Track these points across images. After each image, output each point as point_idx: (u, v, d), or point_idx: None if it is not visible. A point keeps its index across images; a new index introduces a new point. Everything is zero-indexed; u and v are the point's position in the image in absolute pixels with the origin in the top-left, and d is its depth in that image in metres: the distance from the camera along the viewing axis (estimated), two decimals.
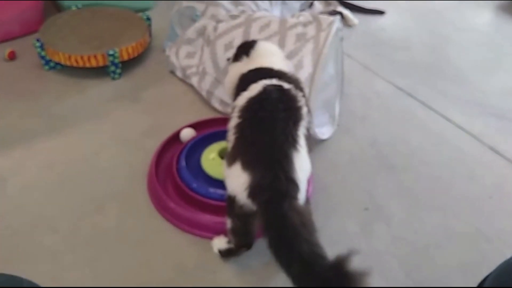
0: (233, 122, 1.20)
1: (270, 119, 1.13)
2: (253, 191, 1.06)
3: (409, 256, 1.40)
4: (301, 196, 1.09)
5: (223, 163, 1.19)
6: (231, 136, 1.19)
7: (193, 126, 1.73)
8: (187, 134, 1.68)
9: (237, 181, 1.09)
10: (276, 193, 1.04)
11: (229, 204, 1.15)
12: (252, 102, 1.19)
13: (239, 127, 1.17)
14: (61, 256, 1.34)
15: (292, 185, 1.06)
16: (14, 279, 0.75)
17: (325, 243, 1.30)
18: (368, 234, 1.46)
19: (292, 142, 1.11)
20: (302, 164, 1.11)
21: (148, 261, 1.34)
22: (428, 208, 1.57)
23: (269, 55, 1.45)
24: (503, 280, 0.85)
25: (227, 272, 1.32)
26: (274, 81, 1.24)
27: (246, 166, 1.08)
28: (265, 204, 1.05)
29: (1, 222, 1.44)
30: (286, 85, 1.23)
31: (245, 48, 1.47)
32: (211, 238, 1.37)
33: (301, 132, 1.16)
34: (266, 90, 1.20)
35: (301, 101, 1.22)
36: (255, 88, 1.22)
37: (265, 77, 1.27)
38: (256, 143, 1.11)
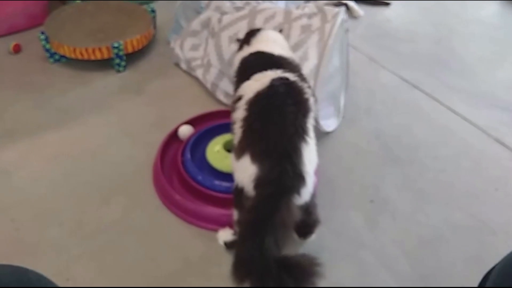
0: (240, 114, 1.19)
1: (279, 113, 1.13)
2: (259, 183, 1.06)
3: (414, 249, 1.40)
4: (307, 191, 1.08)
5: (231, 155, 1.19)
6: (237, 128, 1.18)
7: (193, 120, 1.73)
8: (185, 131, 1.67)
9: (246, 173, 1.09)
10: (280, 188, 1.04)
11: (237, 196, 1.15)
12: (260, 96, 1.18)
13: (247, 120, 1.16)
14: (66, 249, 1.35)
15: (298, 179, 1.06)
16: (20, 270, 0.75)
17: (330, 235, 1.31)
18: (373, 226, 1.46)
19: (301, 134, 1.11)
20: (310, 156, 1.11)
21: (153, 254, 1.35)
22: (433, 200, 1.56)
23: (269, 41, 1.46)
24: (508, 272, 0.85)
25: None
26: (279, 73, 1.23)
27: (255, 158, 1.08)
28: (265, 197, 1.05)
29: (6, 214, 1.45)
30: (291, 77, 1.22)
31: (248, 36, 1.50)
32: (216, 230, 1.38)
33: (310, 124, 1.16)
34: (273, 86, 1.18)
35: (308, 93, 1.21)
36: (261, 81, 1.21)
37: (266, 63, 1.28)
38: (265, 136, 1.10)
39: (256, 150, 1.09)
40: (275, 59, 1.34)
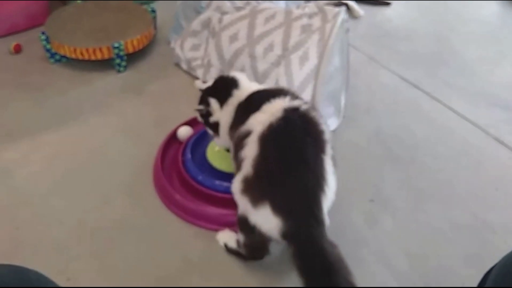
0: (251, 151, 1.11)
1: (299, 156, 1.08)
2: (288, 235, 1.06)
3: (414, 248, 1.40)
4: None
5: (242, 195, 1.13)
6: (247, 165, 1.11)
7: (193, 120, 1.71)
8: (184, 132, 1.67)
9: (267, 223, 1.07)
10: (311, 236, 1.05)
11: (245, 225, 1.13)
12: (276, 132, 1.10)
13: (263, 159, 1.09)
14: (67, 248, 1.35)
15: (322, 226, 1.06)
16: (20, 270, 0.75)
17: (331, 234, 1.30)
18: (373, 225, 1.46)
19: (322, 185, 1.07)
20: (328, 203, 1.10)
21: (154, 253, 1.35)
22: (433, 199, 1.57)
23: (252, 82, 1.37)
24: (509, 271, 0.85)
25: (234, 264, 1.32)
26: (287, 100, 1.16)
27: (278, 211, 1.05)
28: (302, 245, 1.05)
29: (7, 214, 1.45)
30: (302, 105, 1.16)
31: (228, 83, 1.33)
32: (217, 230, 1.38)
33: (329, 155, 1.11)
34: (288, 118, 1.11)
35: (322, 123, 1.16)
36: (272, 111, 1.14)
37: (271, 94, 1.20)
38: (286, 185, 1.06)
39: (277, 201, 1.06)
40: (277, 89, 1.26)
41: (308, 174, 1.07)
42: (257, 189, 1.09)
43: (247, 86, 1.32)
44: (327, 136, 1.14)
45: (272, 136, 1.10)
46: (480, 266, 1.04)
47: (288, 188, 1.06)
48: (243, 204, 1.13)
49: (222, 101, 1.31)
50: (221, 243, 1.35)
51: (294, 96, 1.20)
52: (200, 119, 1.40)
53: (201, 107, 1.35)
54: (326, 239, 1.05)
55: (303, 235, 1.04)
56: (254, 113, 1.17)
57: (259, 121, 1.14)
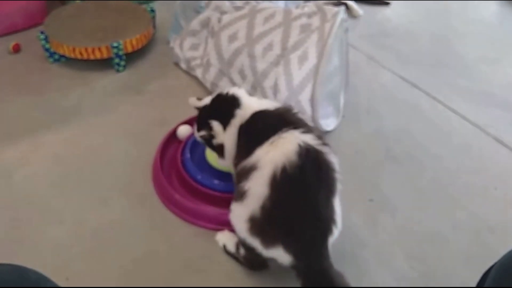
0: (259, 189, 1.08)
1: (312, 204, 1.07)
2: (297, 268, 1.11)
3: (414, 247, 1.40)
4: None
5: (250, 236, 1.12)
6: (255, 205, 1.08)
7: (193, 119, 1.70)
8: (184, 131, 1.66)
9: (279, 258, 1.11)
10: (319, 270, 1.09)
11: (252, 250, 1.15)
12: (290, 178, 1.05)
13: (276, 205, 1.06)
14: (67, 248, 1.35)
15: (328, 259, 1.11)
16: (20, 269, 0.75)
17: None
18: (372, 225, 1.46)
19: (331, 227, 1.10)
20: (333, 239, 1.12)
21: (153, 253, 1.35)
22: (432, 199, 1.57)
23: (254, 99, 1.29)
24: (508, 270, 0.85)
25: (234, 263, 1.32)
26: (297, 134, 1.10)
27: (289, 250, 1.08)
28: (311, 277, 1.10)
29: (7, 213, 1.45)
30: (314, 142, 1.10)
31: (229, 102, 1.26)
32: (216, 230, 1.38)
33: (337, 196, 1.14)
34: (303, 166, 1.06)
35: (333, 161, 1.13)
36: (283, 150, 1.08)
37: (279, 122, 1.15)
38: (299, 232, 1.07)
39: (290, 245, 1.08)
40: (284, 115, 1.20)
41: (320, 221, 1.09)
42: (269, 234, 1.10)
43: (248, 104, 1.24)
44: (337, 172, 1.14)
45: (286, 183, 1.06)
46: (479, 266, 1.03)
47: (301, 234, 1.08)
48: (252, 241, 1.13)
49: (225, 123, 1.23)
50: (220, 244, 1.35)
51: (304, 127, 1.14)
52: (202, 142, 1.34)
53: (204, 132, 1.26)
54: (333, 269, 1.09)
55: (312, 269, 1.09)
56: (261, 145, 1.12)
57: (269, 159, 1.08)
